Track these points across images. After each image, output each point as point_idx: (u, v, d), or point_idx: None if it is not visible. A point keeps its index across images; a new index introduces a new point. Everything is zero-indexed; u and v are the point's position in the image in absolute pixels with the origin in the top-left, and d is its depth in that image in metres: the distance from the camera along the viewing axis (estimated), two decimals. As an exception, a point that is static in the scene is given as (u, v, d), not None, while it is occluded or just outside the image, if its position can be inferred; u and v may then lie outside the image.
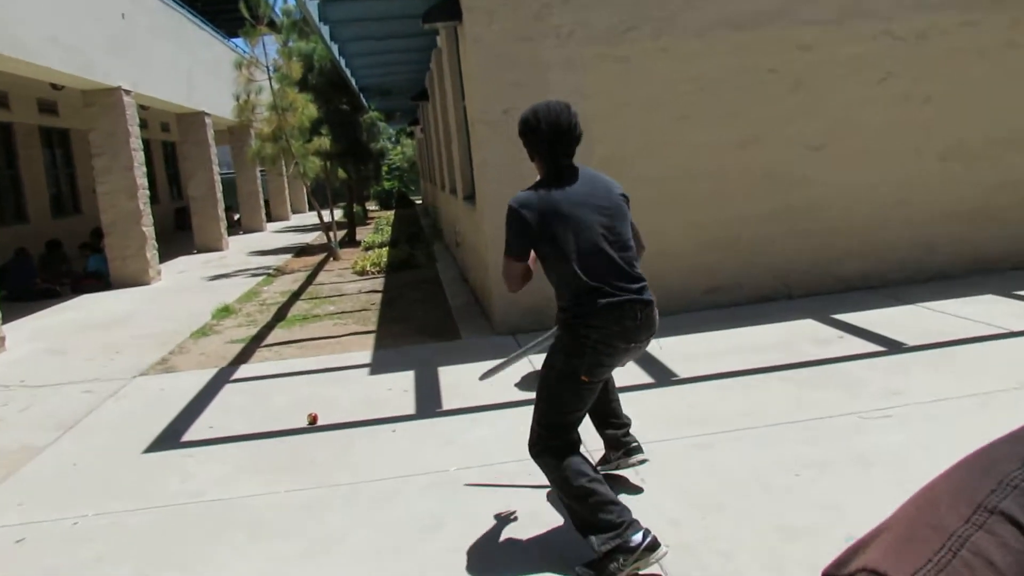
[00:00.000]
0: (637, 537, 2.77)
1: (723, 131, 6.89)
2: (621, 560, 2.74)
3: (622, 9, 6.72)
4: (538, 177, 3.08)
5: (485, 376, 3.87)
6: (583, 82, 6.71)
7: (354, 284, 10.97)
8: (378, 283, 10.79)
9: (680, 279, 6.87)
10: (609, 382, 3.52)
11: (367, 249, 14.85)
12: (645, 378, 5.10)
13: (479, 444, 4.25)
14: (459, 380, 5.31)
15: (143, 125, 15.59)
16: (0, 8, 9.02)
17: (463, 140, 9.00)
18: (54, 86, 13.49)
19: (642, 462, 3.54)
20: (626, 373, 5.21)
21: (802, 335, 5.80)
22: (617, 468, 3.57)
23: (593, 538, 2.80)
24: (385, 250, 13.62)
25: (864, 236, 7.10)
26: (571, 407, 2.97)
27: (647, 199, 6.78)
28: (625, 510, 2.84)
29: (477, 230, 7.59)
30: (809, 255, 7.05)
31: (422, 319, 7.88)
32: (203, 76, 18.18)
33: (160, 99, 14.86)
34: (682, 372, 5.15)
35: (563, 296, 3.00)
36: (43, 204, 16.64)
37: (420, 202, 31.09)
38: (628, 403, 4.33)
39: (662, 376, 5.13)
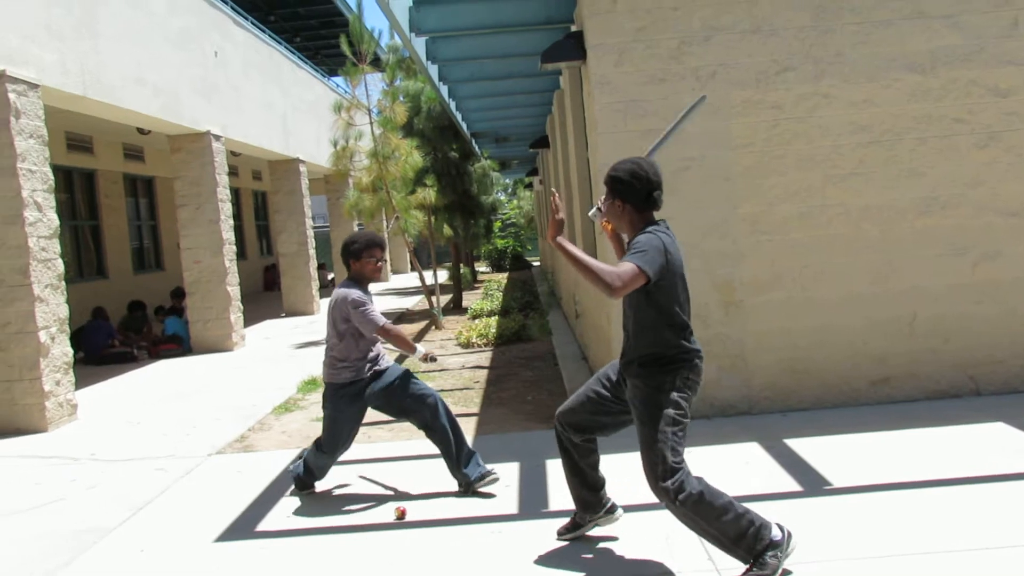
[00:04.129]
0: (777, 532, 3.75)
1: (897, 192, 6.83)
2: (778, 553, 3.71)
3: (776, 47, 6.82)
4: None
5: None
6: (727, 132, 6.82)
7: (457, 358, 11.24)
8: (484, 358, 11.03)
9: (841, 367, 6.79)
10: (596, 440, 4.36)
11: (474, 318, 15.20)
12: (791, 484, 5.06)
13: (591, 552, 4.31)
14: (571, 476, 5.37)
15: (233, 173, 16.63)
16: (82, 47, 9.91)
17: (585, 196, 9.21)
18: (140, 130, 14.59)
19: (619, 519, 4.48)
20: (767, 476, 5.18)
21: (990, 443, 5.62)
22: (595, 526, 4.45)
23: (740, 550, 3.73)
24: (494, 319, 13.91)
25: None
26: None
27: (798, 269, 6.80)
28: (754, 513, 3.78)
29: (600, 302, 7.72)
30: (1005, 343, 6.83)
31: (533, 402, 8.01)
32: (300, 119, 19.24)
33: (252, 145, 15.82)
34: (837, 480, 5.07)
35: (670, 335, 3.88)
36: (124, 259, 17.85)
37: (538, 263, 31.46)
38: (769, 513, 4.30)
39: (812, 484, 5.07)
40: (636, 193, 3.90)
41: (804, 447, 5.78)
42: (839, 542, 4.18)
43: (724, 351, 6.82)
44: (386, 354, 5.67)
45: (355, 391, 5.45)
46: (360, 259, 5.50)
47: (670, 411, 3.81)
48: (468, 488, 5.36)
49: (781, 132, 6.83)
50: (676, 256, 3.88)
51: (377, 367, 5.53)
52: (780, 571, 3.73)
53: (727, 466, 5.52)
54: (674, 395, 3.84)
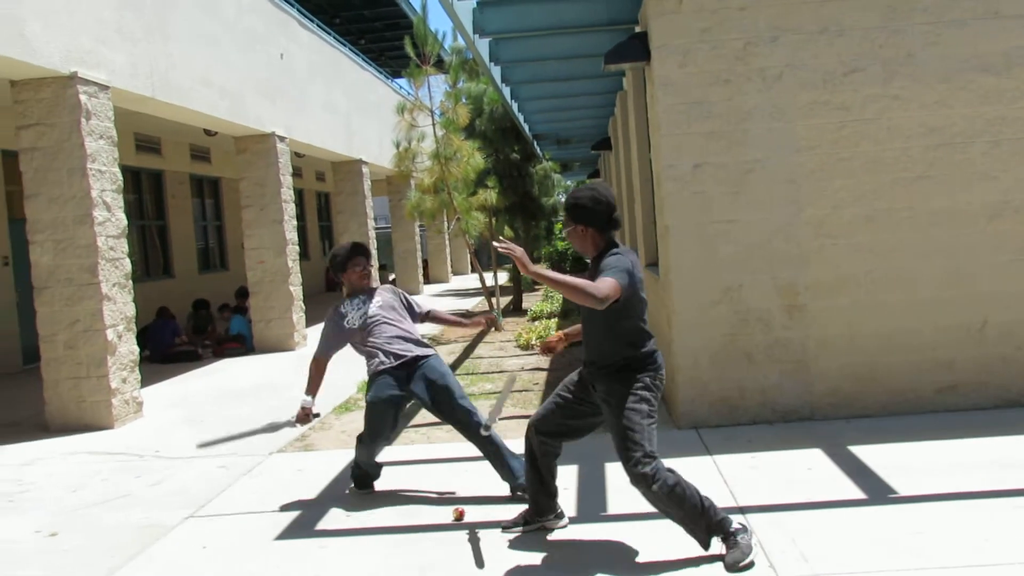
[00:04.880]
0: (738, 524, 4.15)
1: (968, 196, 6.70)
2: (745, 536, 4.13)
3: (844, 48, 6.73)
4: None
5: (489, 424, 4.97)
6: (792, 133, 6.75)
7: (516, 360, 11.28)
8: (544, 360, 11.04)
9: (907, 373, 6.69)
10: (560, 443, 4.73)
11: (534, 320, 15.23)
12: (855, 492, 4.99)
13: (639, 554, 4.30)
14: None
15: (297, 174, 16.85)
16: (152, 49, 10.15)
17: (647, 197, 9.18)
18: (207, 132, 14.90)
19: (565, 526, 4.81)
20: (830, 483, 5.13)
21: (1065, 452, 5.48)
22: (541, 529, 4.78)
23: (710, 532, 4.14)
24: (554, 322, 13.92)
25: None
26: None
27: (864, 274, 6.71)
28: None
29: (660, 304, 7.70)
30: (1079, 351, 6.66)
31: (592, 405, 8.00)
32: (363, 120, 19.46)
33: (316, 146, 16.05)
34: (903, 488, 5.00)
35: (640, 344, 4.28)
36: (190, 258, 18.25)
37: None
38: (832, 521, 4.23)
39: (877, 492, 4.99)
40: (598, 216, 4.29)
41: (868, 454, 5.70)
42: (904, 552, 4.11)
43: (786, 355, 6.76)
44: (421, 345, 5.60)
45: (385, 380, 5.40)
46: (346, 270, 5.78)
47: (643, 406, 4.20)
48: (515, 493, 5.37)
49: (848, 134, 6.74)
50: (639, 276, 4.26)
51: (407, 357, 5.43)
52: (753, 550, 4.10)
53: (790, 472, 5.47)
54: (645, 393, 4.23)
